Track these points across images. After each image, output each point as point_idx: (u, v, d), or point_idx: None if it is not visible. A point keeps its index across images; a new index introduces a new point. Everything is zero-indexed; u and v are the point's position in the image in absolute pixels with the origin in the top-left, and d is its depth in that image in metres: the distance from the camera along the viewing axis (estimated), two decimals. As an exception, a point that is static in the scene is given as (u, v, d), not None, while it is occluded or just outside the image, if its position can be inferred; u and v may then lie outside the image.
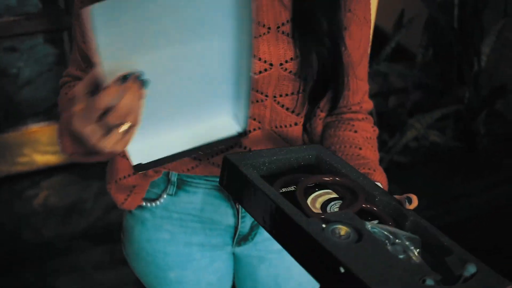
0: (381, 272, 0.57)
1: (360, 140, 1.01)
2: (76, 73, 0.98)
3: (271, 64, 0.91)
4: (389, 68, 2.56)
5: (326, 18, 0.91)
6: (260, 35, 0.91)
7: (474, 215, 2.50)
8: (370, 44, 1.06)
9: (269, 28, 0.91)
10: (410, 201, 0.76)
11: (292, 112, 0.97)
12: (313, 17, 0.91)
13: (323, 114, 1.02)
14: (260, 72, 0.91)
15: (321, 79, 0.94)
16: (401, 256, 0.63)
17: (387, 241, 0.64)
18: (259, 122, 0.97)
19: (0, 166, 2.61)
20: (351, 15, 0.96)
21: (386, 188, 0.93)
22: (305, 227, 0.61)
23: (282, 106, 0.96)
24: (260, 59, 0.91)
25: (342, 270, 0.55)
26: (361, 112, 1.06)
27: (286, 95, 0.95)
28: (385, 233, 0.64)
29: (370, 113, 1.08)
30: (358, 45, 0.99)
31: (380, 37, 2.70)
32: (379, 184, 0.83)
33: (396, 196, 0.79)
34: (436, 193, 2.59)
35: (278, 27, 0.91)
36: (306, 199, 0.72)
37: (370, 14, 1.02)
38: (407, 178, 2.65)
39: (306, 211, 0.67)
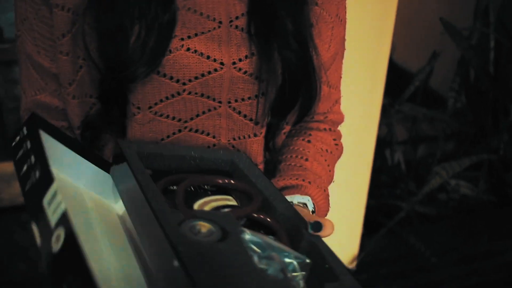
0: (223, 277, 0.53)
1: (310, 150, 0.90)
2: (39, 98, 0.87)
3: (222, 63, 0.81)
4: (413, 109, 2.40)
5: (290, 16, 0.80)
6: (209, 30, 0.80)
7: (503, 277, 2.28)
8: (344, 48, 0.94)
9: (220, 22, 0.81)
10: (317, 228, 0.68)
11: (251, 120, 0.86)
12: (275, 14, 0.80)
13: (288, 128, 0.91)
14: (210, 72, 0.80)
15: (287, 86, 0.82)
16: (269, 272, 0.57)
17: (259, 252, 0.58)
18: (214, 137, 0.86)
19: (5, 195, 2.57)
20: (319, 10, 0.85)
21: (323, 210, 0.84)
22: (159, 216, 0.57)
23: (239, 113, 0.85)
24: (208, 58, 0.80)
25: (175, 263, 0.52)
26: (325, 122, 0.95)
27: (243, 100, 0.84)
28: (262, 243, 0.59)
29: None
30: (327, 46, 0.88)
31: (406, 79, 2.57)
32: (306, 198, 0.77)
33: (306, 217, 0.72)
34: (463, 249, 2.39)
35: (231, 21, 0.82)
36: (196, 200, 0.69)
37: (344, 13, 0.90)
38: (432, 231, 2.48)
39: (179, 208, 0.64)
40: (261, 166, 0.91)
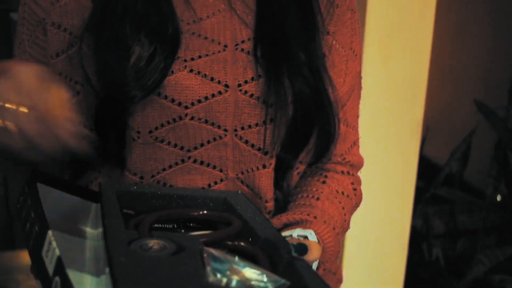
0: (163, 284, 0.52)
1: (324, 191, 0.84)
2: None
3: (226, 86, 0.78)
4: (450, 193, 2.26)
5: (301, 44, 0.77)
6: (213, 53, 0.77)
7: None
8: (361, 86, 0.89)
9: (225, 46, 0.78)
10: (301, 251, 0.64)
11: (259, 150, 0.81)
12: (284, 41, 0.77)
13: (302, 167, 0.84)
14: (214, 95, 0.76)
15: (299, 118, 0.77)
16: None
17: (217, 267, 0.55)
18: (221, 171, 0.79)
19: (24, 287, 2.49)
20: (331, 39, 0.82)
21: (331, 250, 0.78)
22: (108, 232, 0.59)
23: (246, 142, 0.80)
24: (212, 79, 0.76)
25: (106, 270, 0.53)
26: (343, 164, 0.88)
27: (249, 126, 0.79)
28: (223, 259, 0.56)
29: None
30: (342, 80, 0.83)
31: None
32: (308, 231, 0.72)
33: (289, 239, 0.70)
34: None
35: (237, 45, 0.79)
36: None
37: (359, 47, 0.86)
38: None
39: (139, 229, 0.63)
40: (270, 204, 0.84)
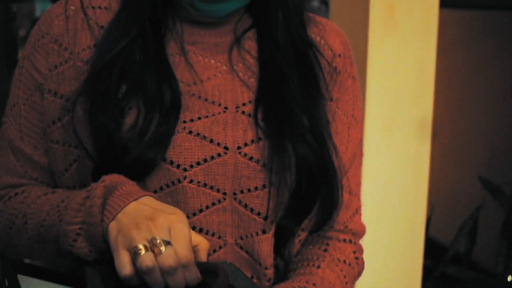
0: None
1: (325, 259, 0.83)
2: (13, 181, 0.83)
3: (226, 148, 0.77)
4: (460, 272, 2.20)
5: (305, 110, 0.77)
6: (213, 114, 0.76)
7: None
8: (362, 153, 0.89)
9: (225, 108, 0.77)
10: None
11: (258, 214, 0.79)
12: (287, 107, 0.77)
13: (304, 234, 0.82)
14: (213, 158, 0.75)
15: (304, 186, 0.76)
16: None
17: None
18: (220, 237, 0.77)
19: None
20: (334, 106, 0.82)
21: None
22: None
23: (245, 206, 0.79)
24: (212, 141, 0.75)
25: None
26: (345, 232, 0.86)
27: (249, 190, 0.78)
28: None
29: None
30: (345, 147, 0.83)
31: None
32: None
33: None
34: None
35: (237, 107, 0.79)
36: None
37: (360, 115, 0.87)
38: None
39: None
40: (270, 271, 0.81)
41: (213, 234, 0.78)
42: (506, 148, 2.68)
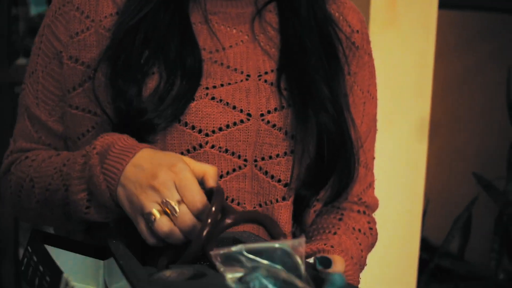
0: None
1: (341, 227, 0.83)
2: (26, 145, 0.85)
3: (249, 115, 0.77)
4: (455, 264, 2.25)
5: (325, 81, 0.79)
6: (236, 82, 0.77)
7: None
8: (376, 129, 0.91)
9: (248, 75, 0.78)
10: (326, 264, 0.64)
11: (279, 181, 0.79)
12: (309, 76, 0.79)
13: (319, 205, 0.84)
14: (235, 124, 0.76)
15: (326, 154, 0.78)
16: None
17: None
18: (239, 204, 0.78)
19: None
20: (351, 80, 0.84)
21: (351, 280, 0.78)
22: (127, 269, 0.60)
23: (266, 173, 0.79)
24: (235, 108, 0.76)
25: None
26: (359, 204, 0.88)
27: (270, 157, 0.78)
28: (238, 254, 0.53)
29: None
30: (360, 121, 0.85)
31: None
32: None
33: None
34: None
35: (260, 75, 0.79)
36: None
37: (375, 91, 0.89)
38: None
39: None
40: (290, 238, 0.82)
41: (232, 201, 0.79)
42: (499, 145, 2.73)
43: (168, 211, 0.64)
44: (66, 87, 0.81)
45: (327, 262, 0.64)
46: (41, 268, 0.67)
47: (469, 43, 2.86)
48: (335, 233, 0.82)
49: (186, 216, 0.64)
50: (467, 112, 2.92)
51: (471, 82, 2.90)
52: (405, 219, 1.86)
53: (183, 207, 0.64)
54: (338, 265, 0.67)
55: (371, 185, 0.91)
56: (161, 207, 0.64)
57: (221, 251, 0.53)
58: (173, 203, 0.64)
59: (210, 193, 0.67)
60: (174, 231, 0.65)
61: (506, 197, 2.39)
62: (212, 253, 0.53)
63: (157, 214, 0.64)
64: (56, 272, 0.62)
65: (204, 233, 0.62)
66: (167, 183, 0.65)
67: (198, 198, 0.64)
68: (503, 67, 2.70)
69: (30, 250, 0.72)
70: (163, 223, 0.64)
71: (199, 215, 0.65)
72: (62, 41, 0.81)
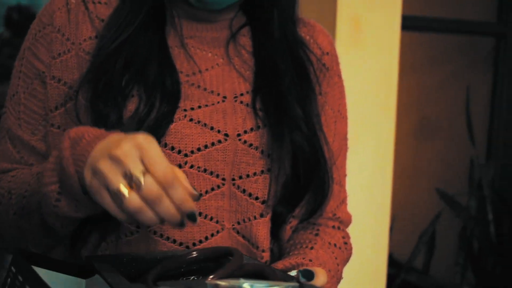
0: None
1: (317, 242, 0.85)
2: (7, 166, 0.84)
3: (226, 135, 0.79)
4: (421, 279, 2.28)
5: (298, 101, 0.82)
6: (213, 104, 0.79)
7: None
8: (347, 147, 0.94)
9: (224, 97, 0.81)
10: (309, 276, 0.66)
11: (257, 199, 0.81)
12: (283, 97, 0.81)
13: (295, 222, 0.85)
14: (213, 144, 0.78)
15: (299, 174, 0.80)
16: None
17: None
18: (217, 222, 0.79)
19: None
20: (323, 100, 0.87)
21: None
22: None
23: (244, 191, 0.81)
24: (212, 128, 0.78)
25: None
26: (334, 220, 0.90)
27: (247, 176, 0.80)
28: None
29: None
30: (332, 140, 0.87)
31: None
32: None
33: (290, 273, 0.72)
34: None
35: (236, 97, 0.81)
36: None
37: (346, 111, 0.92)
38: None
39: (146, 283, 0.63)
40: (267, 254, 0.83)
41: (211, 219, 0.80)
42: (461, 161, 2.80)
43: (134, 186, 0.60)
44: (49, 107, 0.82)
45: (309, 275, 0.66)
46: None
47: (431, 64, 2.94)
48: (312, 248, 0.84)
49: (152, 186, 0.59)
50: (429, 129, 2.99)
51: (433, 101, 2.98)
52: (372, 236, 1.89)
53: (148, 178, 0.60)
54: (321, 277, 0.68)
55: (344, 201, 0.93)
56: (126, 181, 0.60)
57: (219, 283, 0.54)
58: (137, 174, 0.60)
59: (224, 252, 0.68)
60: (143, 207, 0.60)
61: (468, 212, 2.45)
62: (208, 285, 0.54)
63: (125, 192, 0.60)
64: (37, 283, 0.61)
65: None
66: (131, 152, 0.60)
67: (163, 169, 0.60)
68: (463, 87, 2.79)
69: (14, 271, 0.71)
70: (132, 199, 0.60)
71: (167, 187, 0.60)
72: (44, 62, 0.82)
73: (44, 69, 0.82)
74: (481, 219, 2.48)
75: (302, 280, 0.64)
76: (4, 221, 0.79)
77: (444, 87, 2.97)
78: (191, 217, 0.61)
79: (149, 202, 0.60)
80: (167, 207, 0.60)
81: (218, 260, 0.71)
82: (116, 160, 0.60)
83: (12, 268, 0.71)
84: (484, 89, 2.92)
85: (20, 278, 0.68)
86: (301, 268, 0.67)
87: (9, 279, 0.71)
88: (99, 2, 0.83)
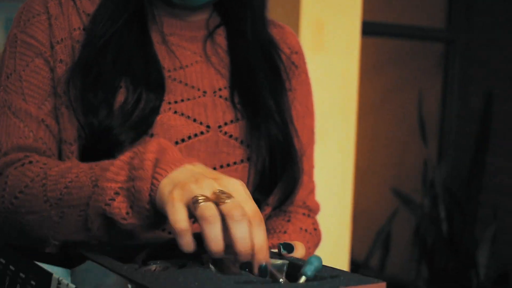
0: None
1: (289, 227, 0.90)
2: (25, 142, 0.80)
3: (208, 127, 0.83)
4: (377, 276, 2.33)
5: (272, 96, 0.87)
6: (194, 98, 0.84)
7: None
8: (314, 141, 1.00)
9: (204, 92, 0.85)
10: (289, 249, 0.68)
11: None
12: (258, 91, 0.86)
13: (268, 209, 0.89)
14: (196, 135, 0.82)
15: (274, 162, 0.84)
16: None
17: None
18: None
19: None
20: (292, 96, 0.93)
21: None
22: (113, 267, 0.60)
23: None
24: (195, 120, 0.82)
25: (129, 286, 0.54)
26: (303, 208, 0.95)
27: (228, 165, 0.84)
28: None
29: None
30: (301, 133, 0.92)
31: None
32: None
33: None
34: None
35: (215, 92, 0.87)
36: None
37: (313, 107, 0.98)
38: None
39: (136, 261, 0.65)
40: None
41: None
42: (415, 161, 2.90)
43: (219, 202, 0.57)
44: (61, 88, 0.82)
45: (289, 248, 0.68)
46: (22, 275, 0.67)
47: (387, 67, 3.04)
48: (285, 232, 0.89)
49: (236, 207, 0.56)
50: (384, 130, 3.08)
51: (388, 103, 3.07)
52: (334, 235, 1.94)
53: (235, 200, 0.57)
54: (299, 249, 0.71)
55: (312, 191, 0.99)
56: (211, 196, 0.57)
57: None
58: (225, 195, 0.57)
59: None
60: (217, 220, 0.56)
61: (422, 209, 2.54)
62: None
63: (205, 199, 0.57)
64: (43, 275, 0.62)
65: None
66: (226, 185, 0.59)
67: (253, 205, 0.58)
68: (415, 90, 2.89)
69: (4, 261, 0.72)
70: (210, 206, 0.56)
71: (252, 222, 0.57)
72: (44, 44, 0.84)
73: (45, 49, 0.84)
74: (434, 217, 2.58)
75: (283, 252, 0.66)
76: (26, 210, 0.73)
77: (398, 90, 3.07)
78: (263, 270, 0.57)
79: (228, 217, 0.56)
80: (245, 234, 0.56)
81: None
82: (207, 184, 0.58)
83: (1, 260, 0.71)
84: (435, 92, 3.04)
85: (11, 267, 0.69)
86: (281, 242, 0.68)
87: (7, 277, 0.70)
88: None
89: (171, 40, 0.88)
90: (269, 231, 0.90)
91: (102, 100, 0.79)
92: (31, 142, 0.81)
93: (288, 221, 0.93)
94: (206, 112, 0.84)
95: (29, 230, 0.74)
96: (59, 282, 0.59)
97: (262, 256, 0.57)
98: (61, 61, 0.84)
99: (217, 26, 0.92)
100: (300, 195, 0.94)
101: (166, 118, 0.81)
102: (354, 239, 2.59)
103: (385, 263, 2.68)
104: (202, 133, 0.83)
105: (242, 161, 0.84)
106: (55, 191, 0.69)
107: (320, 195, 1.81)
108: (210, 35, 0.90)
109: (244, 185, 0.61)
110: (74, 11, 0.86)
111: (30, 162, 0.76)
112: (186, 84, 0.85)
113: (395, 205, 2.59)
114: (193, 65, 0.87)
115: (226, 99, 0.86)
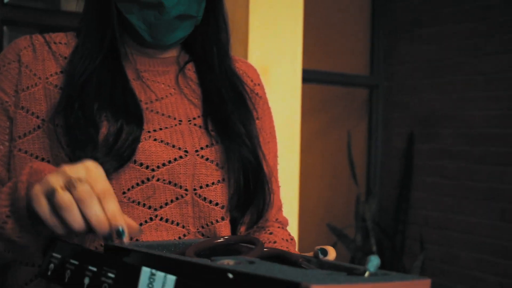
0: (280, 270, 0.55)
1: (275, 238, 0.99)
2: None
3: (186, 151, 0.90)
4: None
5: (241, 123, 0.95)
6: (171, 126, 0.92)
7: None
8: (277, 165, 1.09)
9: (180, 121, 0.93)
10: (325, 253, 0.73)
11: (216, 205, 0.92)
12: (228, 118, 0.95)
13: (243, 229, 0.97)
14: (176, 159, 0.89)
15: (246, 184, 0.92)
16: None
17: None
18: (183, 227, 0.90)
19: None
20: (260, 123, 1.02)
21: None
22: (185, 260, 0.58)
23: (205, 199, 0.91)
24: (174, 146, 0.90)
25: (230, 275, 0.52)
26: (277, 223, 1.04)
27: (207, 185, 0.91)
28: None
29: None
30: (268, 157, 1.01)
31: None
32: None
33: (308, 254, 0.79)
34: None
35: (189, 120, 0.94)
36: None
37: (275, 132, 1.07)
38: None
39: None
40: None
41: (177, 224, 0.90)
42: (348, 198, 3.04)
43: (71, 188, 0.65)
44: (17, 133, 0.89)
45: (325, 252, 0.74)
46: (92, 268, 0.64)
47: (317, 110, 3.17)
48: (275, 242, 0.98)
49: (84, 190, 0.64)
50: (318, 169, 3.19)
51: (321, 143, 3.19)
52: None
53: (84, 184, 0.65)
54: (332, 253, 0.79)
55: (280, 208, 1.08)
56: (66, 185, 0.65)
57: None
58: (75, 180, 0.65)
59: (247, 241, 0.76)
60: (72, 206, 0.64)
61: (355, 243, 2.67)
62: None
63: (60, 189, 0.65)
64: (135, 271, 0.59)
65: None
66: (79, 169, 0.67)
67: (102, 181, 0.66)
68: (343, 132, 3.04)
69: (59, 257, 0.69)
70: (63, 195, 0.64)
71: (102, 198, 0.65)
72: (8, 94, 0.90)
73: (7, 99, 0.90)
74: (367, 250, 2.71)
75: (321, 256, 0.73)
76: None
77: (328, 131, 3.21)
78: (119, 233, 0.65)
79: (79, 202, 0.64)
80: (96, 211, 0.64)
81: (233, 248, 0.77)
82: (62, 172, 0.67)
83: (55, 254, 0.70)
84: (362, 133, 3.22)
85: (73, 262, 0.67)
86: (318, 247, 0.75)
87: (51, 265, 0.69)
88: (60, 43, 0.94)
89: (146, 76, 0.96)
90: None
91: (88, 136, 0.85)
92: None
93: (271, 233, 1.01)
94: (184, 138, 0.91)
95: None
96: (152, 274, 0.57)
97: (116, 222, 0.65)
98: (22, 108, 0.90)
99: (187, 62, 1.01)
100: (272, 213, 1.04)
101: (147, 145, 0.88)
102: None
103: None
104: (181, 157, 0.90)
105: (219, 181, 0.92)
106: None
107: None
108: (182, 69, 0.99)
109: (96, 164, 0.69)
110: (50, 56, 0.93)
111: None
112: (163, 114, 0.93)
113: (333, 239, 2.69)
114: (168, 97, 0.95)
115: (200, 126, 0.94)
